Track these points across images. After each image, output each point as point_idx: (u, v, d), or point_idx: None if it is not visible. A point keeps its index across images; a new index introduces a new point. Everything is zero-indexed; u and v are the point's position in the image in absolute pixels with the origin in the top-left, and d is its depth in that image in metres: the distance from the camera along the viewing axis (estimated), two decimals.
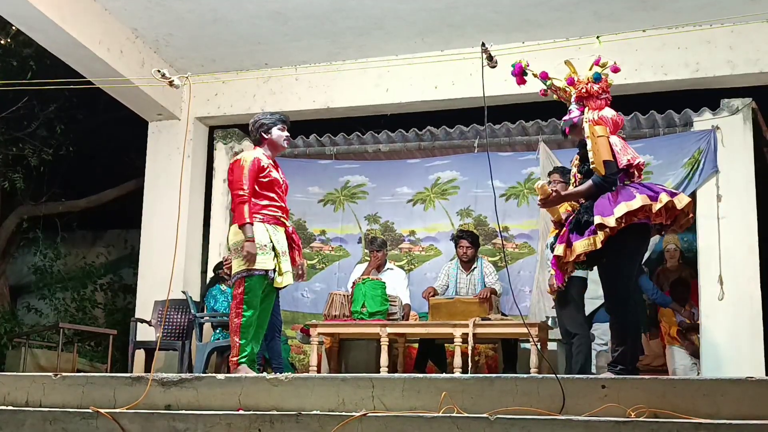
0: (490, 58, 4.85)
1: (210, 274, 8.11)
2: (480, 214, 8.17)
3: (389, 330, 6.61)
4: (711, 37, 7.19)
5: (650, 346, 7.89)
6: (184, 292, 7.65)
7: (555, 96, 5.11)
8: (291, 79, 8.26)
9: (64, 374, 4.45)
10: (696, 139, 7.44)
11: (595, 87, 4.88)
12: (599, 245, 4.59)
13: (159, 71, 5.46)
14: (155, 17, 7.47)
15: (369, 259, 7.68)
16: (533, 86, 5.19)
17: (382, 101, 8.11)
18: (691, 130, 7.52)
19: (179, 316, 7.74)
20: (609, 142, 4.73)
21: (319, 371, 6.86)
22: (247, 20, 7.46)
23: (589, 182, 4.77)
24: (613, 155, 4.70)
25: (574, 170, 5.05)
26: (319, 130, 8.68)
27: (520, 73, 5.00)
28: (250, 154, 5.29)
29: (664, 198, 4.60)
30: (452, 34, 7.51)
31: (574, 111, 4.95)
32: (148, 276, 8.34)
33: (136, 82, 7.65)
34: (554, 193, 4.88)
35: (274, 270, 5.13)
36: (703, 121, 7.46)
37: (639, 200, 4.56)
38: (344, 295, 7.08)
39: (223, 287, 7.45)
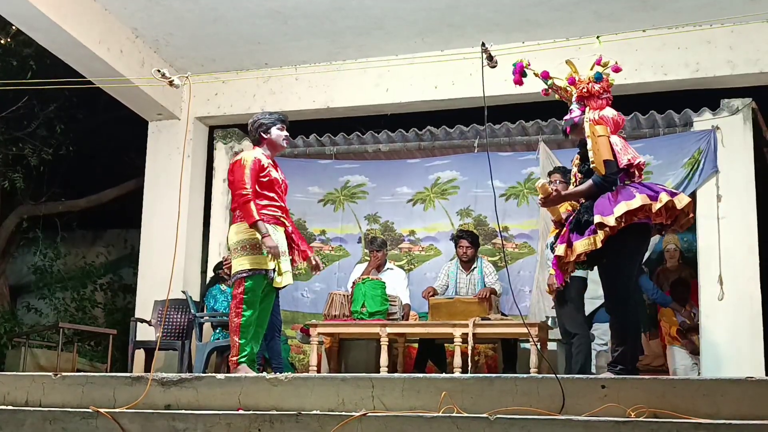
0: (490, 58, 4.85)
1: (210, 273, 8.11)
2: (480, 214, 8.17)
3: (389, 330, 6.61)
4: (711, 37, 7.19)
5: (650, 346, 7.89)
6: (183, 292, 7.65)
7: (556, 95, 5.11)
8: (291, 78, 8.26)
9: (63, 374, 4.45)
10: (696, 139, 7.44)
11: (596, 87, 4.87)
12: (599, 245, 4.59)
13: (159, 71, 5.46)
14: (155, 17, 7.47)
15: (369, 258, 7.68)
16: (533, 86, 5.19)
17: (382, 101, 8.11)
18: (691, 130, 7.52)
19: (179, 316, 7.74)
20: (609, 142, 4.73)
21: (318, 371, 6.86)
22: (247, 20, 7.46)
23: (590, 182, 4.77)
24: (614, 155, 4.70)
25: (574, 170, 5.05)
26: (319, 130, 8.68)
27: (519, 73, 5.00)
28: (251, 154, 5.29)
29: (664, 198, 4.60)
30: (452, 34, 7.51)
31: (575, 110, 4.95)
32: (147, 276, 8.34)
33: (136, 82, 7.65)
34: (555, 193, 4.89)
35: (274, 270, 5.13)
36: (703, 121, 7.46)
37: (639, 200, 4.56)
38: (344, 295, 7.08)
39: (223, 287, 7.45)
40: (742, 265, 7.13)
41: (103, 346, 10.38)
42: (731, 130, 7.34)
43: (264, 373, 4.93)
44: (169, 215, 7.56)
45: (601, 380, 3.85)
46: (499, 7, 7.09)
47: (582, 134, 4.86)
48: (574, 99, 4.96)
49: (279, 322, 6.28)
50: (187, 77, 5.59)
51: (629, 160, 4.72)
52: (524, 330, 6.16)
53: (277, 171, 5.35)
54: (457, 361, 6.33)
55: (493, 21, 7.27)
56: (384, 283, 6.93)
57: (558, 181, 5.98)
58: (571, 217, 4.90)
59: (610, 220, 4.54)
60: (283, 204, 5.33)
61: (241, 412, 3.92)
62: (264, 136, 5.35)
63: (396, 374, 5.18)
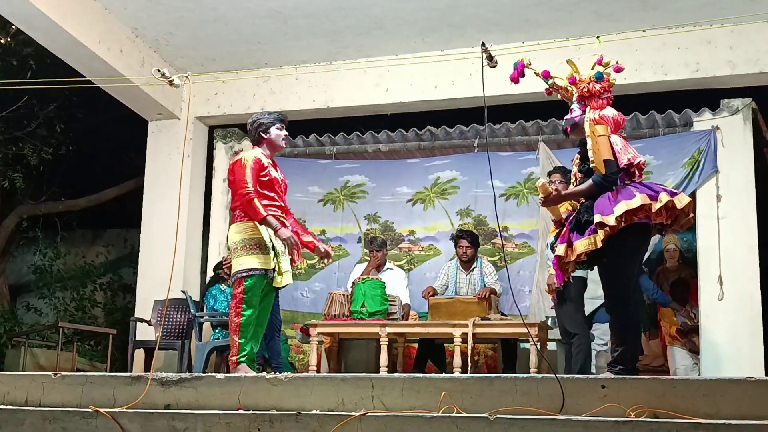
0: (490, 58, 4.85)
1: (210, 273, 8.11)
2: (480, 213, 8.18)
3: (389, 330, 6.61)
4: (711, 37, 7.19)
5: (650, 346, 7.89)
6: (183, 292, 7.65)
7: (558, 95, 5.11)
8: (291, 78, 8.25)
9: (63, 373, 4.45)
10: (696, 139, 7.44)
11: (597, 86, 4.87)
12: (599, 244, 4.59)
13: (159, 70, 5.46)
14: (155, 16, 7.47)
15: (369, 258, 7.68)
16: (533, 86, 5.19)
17: (382, 101, 8.11)
18: (691, 130, 7.52)
19: (179, 316, 7.74)
20: (609, 141, 4.73)
21: (318, 371, 6.86)
22: (246, 19, 7.46)
23: (590, 181, 4.78)
24: (614, 154, 4.70)
25: (574, 169, 5.05)
26: (319, 130, 8.68)
27: (519, 72, 5.00)
28: (251, 153, 5.29)
29: (664, 197, 4.60)
30: (452, 34, 7.51)
31: (575, 110, 4.94)
32: (147, 275, 8.34)
33: (136, 82, 7.65)
34: (555, 192, 4.89)
35: (274, 270, 5.13)
36: (703, 121, 7.46)
37: (639, 199, 4.56)
38: (344, 295, 7.08)
39: (223, 287, 7.45)
40: (742, 265, 7.13)
41: (103, 346, 10.38)
42: (731, 130, 7.34)
43: (264, 373, 4.92)
44: (169, 215, 7.56)
45: (600, 380, 3.85)
46: (499, 7, 7.08)
47: (582, 134, 4.85)
48: (574, 98, 4.96)
49: (279, 321, 6.28)
50: (187, 77, 5.59)
51: (629, 159, 4.72)
52: (524, 330, 6.16)
53: (276, 170, 5.36)
54: (457, 361, 6.33)
55: (493, 21, 7.26)
56: (384, 283, 6.93)
57: (558, 181, 5.97)
58: (572, 217, 4.90)
59: (611, 220, 4.54)
60: (283, 204, 5.33)
61: (240, 411, 3.91)
62: (263, 135, 5.35)
63: (396, 374, 5.18)
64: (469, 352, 6.31)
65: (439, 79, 7.85)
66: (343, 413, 3.73)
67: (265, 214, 5.07)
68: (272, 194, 5.25)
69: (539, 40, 7.22)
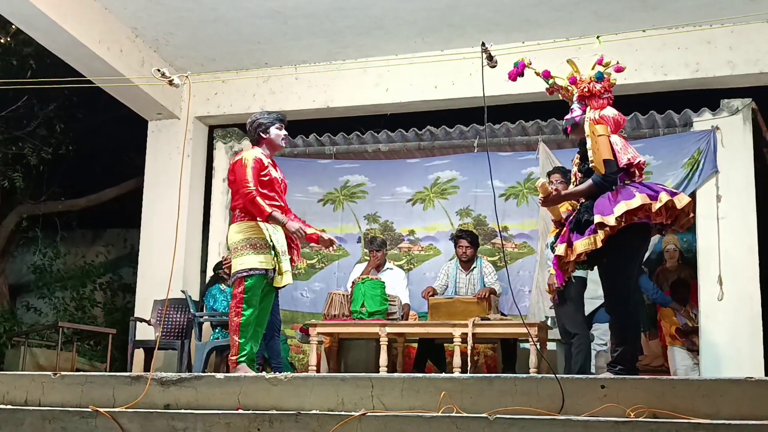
0: (490, 58, 4.85)
1: (209, 273, 8.11)
2: (479, 213, 8.18)
3: (388, 330, 6.61)
4: (711, 37, 7.19)
5: (650, 347, 7.89)
6: (183, 292, 7.65)
7: (558, 95, 5.11)
8: (291, 78, 8.26)
9: (63, 373, 4.45)
10: (696, 140, 7.44)
11: (597, 86, 4.87)
12: (599, 244, 4.59)
13: (159, 70, 5.46)
14: (155, 16, 7.47)
15: (368, 258, 7.68)
16: (533, 86, 5.19)
17: (382, 101, 8.11)
18: (691, 131, 7.52)
19: (178, 316, 7.74)
20: (609, 141, 4.72)
21: (318, 371, 6.86)
22: (246, 19, 7.46)
23: (589, 181, 4.77)
24: (614, 154, 4.70)
25: (574, 169, 5.05)
26: (319, 130, 8.68)
27: (519, 71, 4.99)
28: (251, 153, 5.29)
29: (663, 197, 4.60)
30: (452, 34, 7.51)
31: (576, 110, 4.94)
32: (147, 275, 8.34)
33: (136, 81, 7.65)
34: (555, 192, 4.88)
35: (274, 269, 5.14)
36: (703, 121, 7.46)
37: (638, 199, 4.56)
38: (343, 295, 7.08)
39: (223, 287, 7.45)
40: (741, 265, 7.13)
41: (103, 346, 10.38)
42: (731, 131, 7.34)
43: (263, 373, 4.92)
44: (169, 215, 7.56)
45: (600, 380, 3.84)
46: (499, 7, 7.08)
47: (582, 134, 4.85)
48: (575, 98, 4.96)
49: (278, 321, 6.28)
50: (186, 77, 5.59)
51: (629, 159, 4.72)
52: (524, 330, 6.16)
53: (276, 170, 5.36)
54: (457, 361, 6.33)
55: (493, 21, 7.26)
56: (383, 282, 6.93)
57: (558, 181, 5.97)
58: (571, 217, 4.90)
59: (610, 220, 4.54)
60: (283, 203, 5.33)
61: (240, 411, 3.91)
62: (263, 135, 5.35)
63: (395, 374, 5.18)
64: (469, 352, 6.31)
65: (438, 79, 7.85)
66: (342, 413, 3.73)
67: (270, 210, 5.08)
68: (272, 194, 5.25)
69: (539, 40, 7.22)
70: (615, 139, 4.76)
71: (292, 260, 5.31)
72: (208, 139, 8.90)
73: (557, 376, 3.81)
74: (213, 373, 5.39)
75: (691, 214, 4.83)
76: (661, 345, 7.87)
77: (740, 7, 6.74)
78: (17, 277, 12.05)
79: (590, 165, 4.73)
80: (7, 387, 4.44)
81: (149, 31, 7.75)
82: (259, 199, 5.08)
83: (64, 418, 4.00)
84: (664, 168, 7.44)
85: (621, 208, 4.55)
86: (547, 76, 5.04)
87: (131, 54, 7.78)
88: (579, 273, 5.57)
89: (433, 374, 4.93)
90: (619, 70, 4.92)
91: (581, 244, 4.66)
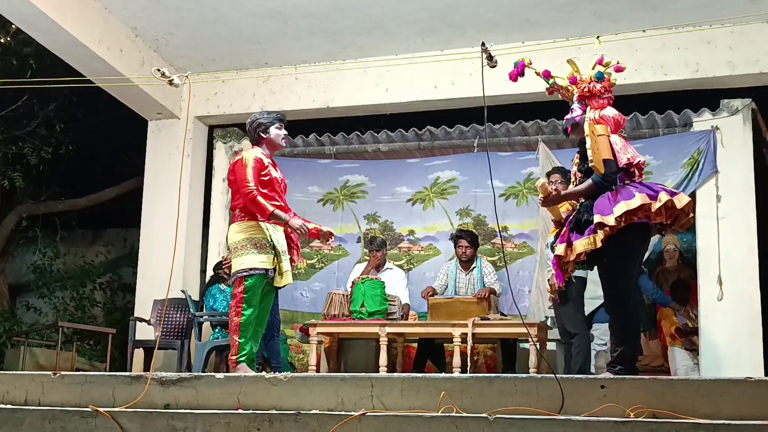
0: (490, 57, 4.85)
1: (209, 273, 8.11)
2: (479, 213, 8.18)
3: (388, 330, 6.61)
4: (711, 37, 7.19)
5: (649, 347, 7.89)
6: (183, 291, 7.65)
7: (559, 95, 5.11)
8: (291, 78, 8.25)
9: (63, 373, 4.45)
10: (696, 140, 7.44)
11: (598, 86, 4.87)
12: (599, 244, 4.59)
13: (159, 70, 5.46)
14: (155, 16, 7.47)
15: (368, 258, 7.68)
16: (533, 86, 5.19)
17: (381, 101, 8.11)
18: (691, 131, 7.52)
19: (178, 315, 7.74)
20: (609, 141, 4.72)
21: (318, 371, 6.86)
22: (246, 19, 7.46)
23: (589, 181, 4.77)
24: (613, 154, 4.70)
25: (574, 169, 5.05)
26: (319, 130, 8.68)
27: (518, 71, 4.99)
28: (251, 153, 5.29)
29: (663, 197, 4.60)
30: (452, 34, 7.51)
31: (576, 110, 4.95)
32: (147, 275, 8.34)
33: (136, 81, 7.65)
34: (554, 192, 4.89)
35: (274, 269, 5.14)
36: (703, 121, 7.46)
37: (638, 199, 4.56)
38: (343, 295, 7.08)
39: (223, 286, 7.45)
40: (741, 265, 7.13)
41: (103, 345, 10.38)
42: (731, 131, 7.33)
43: (263, 373, 4.93)
44: (169, 215, 7.56)
45: (600, 380, 3.84)
46: (499, 7, 7.08)
47: (582, 133, 4.85)
48: (575, 98, 4.96)
49: (278, 321, 6.29)
50: (186, 76, 5.60)
51: (629, 159, 4.72)
52: (523, 330, 6.16)
53: (276, 170, 5.36)
54: (457, 361, 6.33)
55: (493, 21, 7.26)
56: (383, 282, 6.93)
57: (558, 181, 5.97)
58: (571, 217, 4.90)
59: (610, 220, 4.54)
60: (283, 203, 5.33)
61: (240, 411, 3.91)
62: (263, 135, 5.35)
63: (395, 374, 5.18)
64: (469, 352, 6.31)
65: (438, 79, 7.85)
66: (342, 413, 3.73)
67: (272, 209, 5.09)
68: (272, 194, 5.25)
69: (539, 40, 7.21)
70: (615, 139, 4.76)
71: (292, 260, 5.31)
72: (208, 139, 8.89)
73: (557, 376, 3.81)
74: (213, 373, 5.38)
75: (691, 214, 4.83)
76: (661, 345, 7.86)
77: (740, 7, 6.74)
78: (17, 277, 12.05)
79: (590, 165, 4.74)
80: (7, 387, 4.44)
81: (149, 31, 7.74)
82: (260, 198, 5.09)
83: (63, 418, 4.00)
84: (664, 168, 7.44)
85: (621, 208, 4.55)
86: (547, 76, 5.04)
87: (131, 54, 7.78)
88: (579, 273, 5.57)
89: (432, 374, 4.92)
90: (619, 70, 4.92)
91: (581, 244, 4.66)
